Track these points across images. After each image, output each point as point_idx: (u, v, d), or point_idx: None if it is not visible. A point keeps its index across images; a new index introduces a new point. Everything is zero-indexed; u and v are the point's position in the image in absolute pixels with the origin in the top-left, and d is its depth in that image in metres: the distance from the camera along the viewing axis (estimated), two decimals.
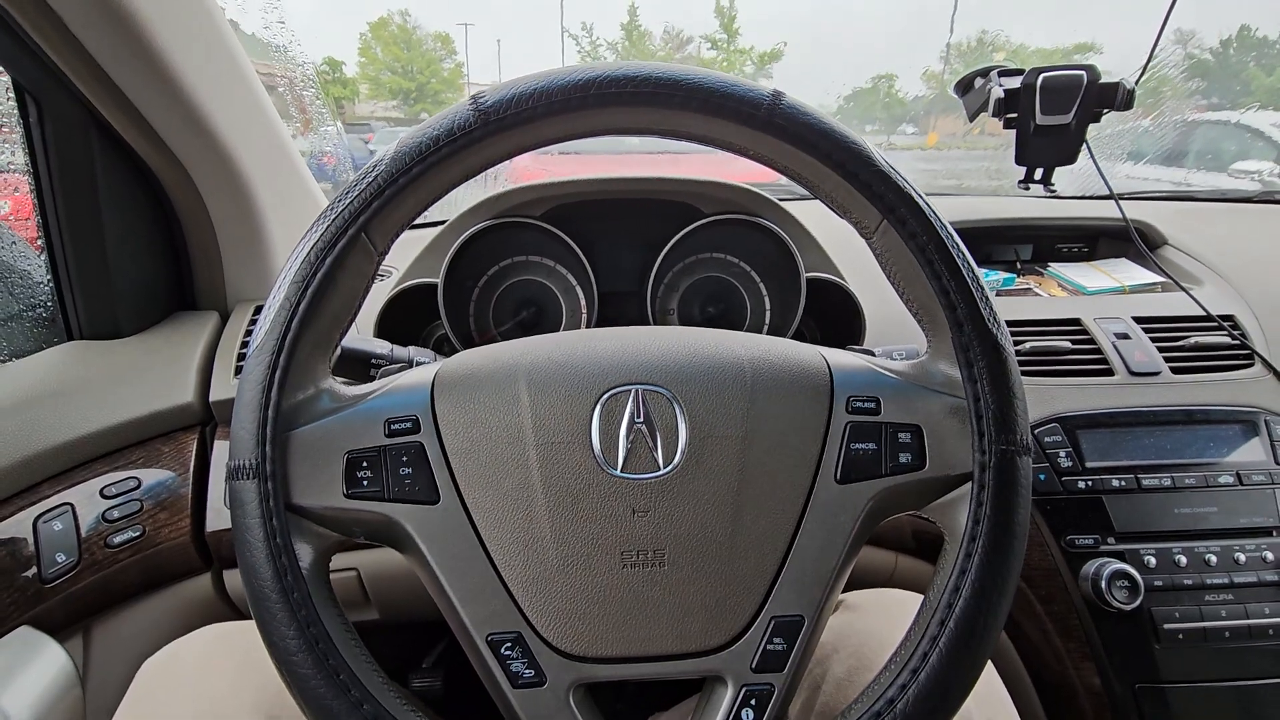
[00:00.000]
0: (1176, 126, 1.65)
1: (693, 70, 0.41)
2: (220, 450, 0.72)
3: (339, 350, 0.48)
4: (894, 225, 0.42)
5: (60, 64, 0.62)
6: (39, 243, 0.72)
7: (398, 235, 0.44)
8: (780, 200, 0.85)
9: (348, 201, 0.40)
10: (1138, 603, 0.64)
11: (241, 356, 0.76)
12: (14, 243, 0.74)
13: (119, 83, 0.64)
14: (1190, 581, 0.66)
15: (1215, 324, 0.80)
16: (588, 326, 0.85)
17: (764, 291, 0.87)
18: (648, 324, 0.85)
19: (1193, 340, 0.78)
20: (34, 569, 0.60)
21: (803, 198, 0.96)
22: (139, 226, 0.77)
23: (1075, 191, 1.14)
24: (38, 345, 0.74)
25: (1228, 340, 0.79)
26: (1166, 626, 0.66)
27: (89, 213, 0.71)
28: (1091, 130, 0.83)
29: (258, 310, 0.83)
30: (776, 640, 0.42)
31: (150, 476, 0.68)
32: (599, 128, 0.42)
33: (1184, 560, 0.67)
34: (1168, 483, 0.69)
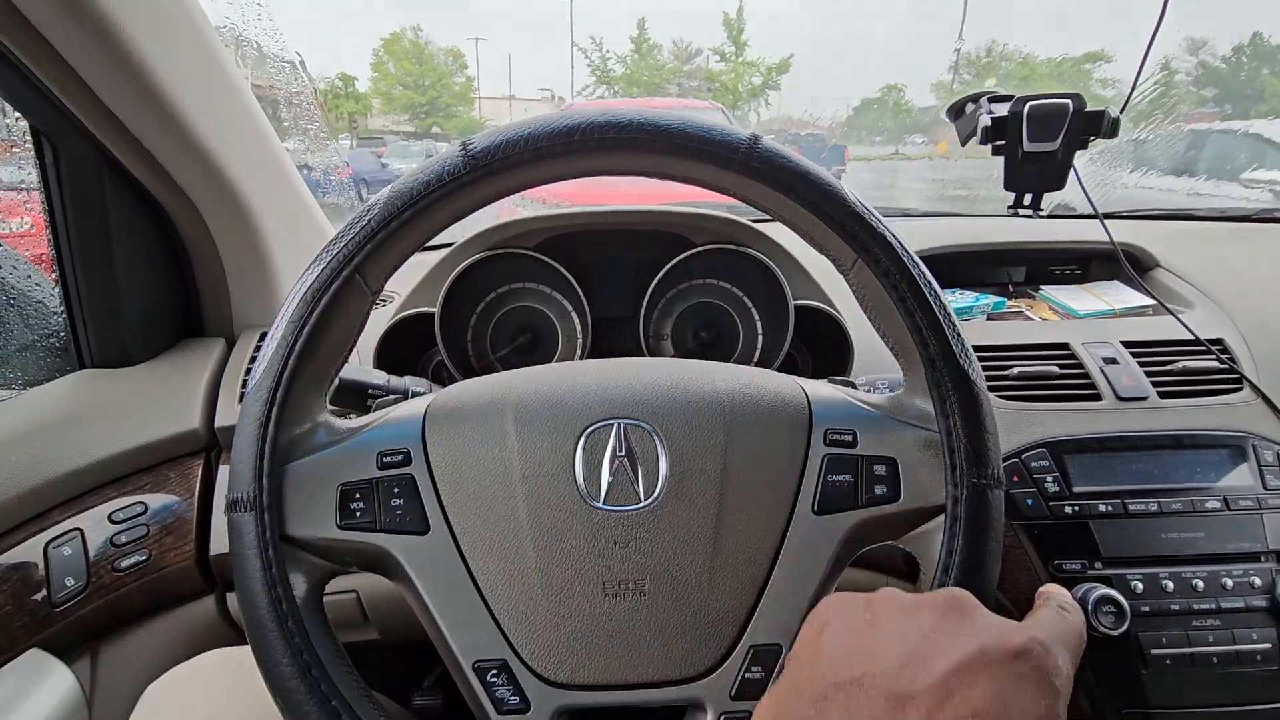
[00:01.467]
0: (1171, 140, 1.64)
1: (673, 116, 0.42)
2: (224, 475, 0.74)
3: (337, 381, 0.49)
4: (868, 263, 0.43)
5: (74, 109, 0.65)
6: (54, 275, 0.75)
7: (391, 274, 0.46)
8: (754, 222, 0.86)
9: (343, 244, 0.42)
10: (1124, 628, 0.64)
11: (245, 384, 0.78)
12: (29, 275, 0.77)
13: (128, 125, 0.67)
14: (1177, 607, 0.66)
15: (1204, 348, 0.80)
16: (583, 352, 0.87)
17: (755, 318, 0.88)
18: (641, 349, 0.86)
19: (1181, 364, 0.78)
20: (44, 593, 0.62)
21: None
22: (148, 258, 0.79)
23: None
24: (50, 373, 0.77)
25: (1216, 364, 0.79)
26: (1154, 652, 0.65)
27: (101, 246, 0.74)
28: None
29: (263, 336, 0.85)
30: (755, 669, 0.43)
31: (157, 501, 0.70)
32: (583, 171, 0.44)
33: (1171, 585, 0.67)
34: (1154, 508, 0.69)
